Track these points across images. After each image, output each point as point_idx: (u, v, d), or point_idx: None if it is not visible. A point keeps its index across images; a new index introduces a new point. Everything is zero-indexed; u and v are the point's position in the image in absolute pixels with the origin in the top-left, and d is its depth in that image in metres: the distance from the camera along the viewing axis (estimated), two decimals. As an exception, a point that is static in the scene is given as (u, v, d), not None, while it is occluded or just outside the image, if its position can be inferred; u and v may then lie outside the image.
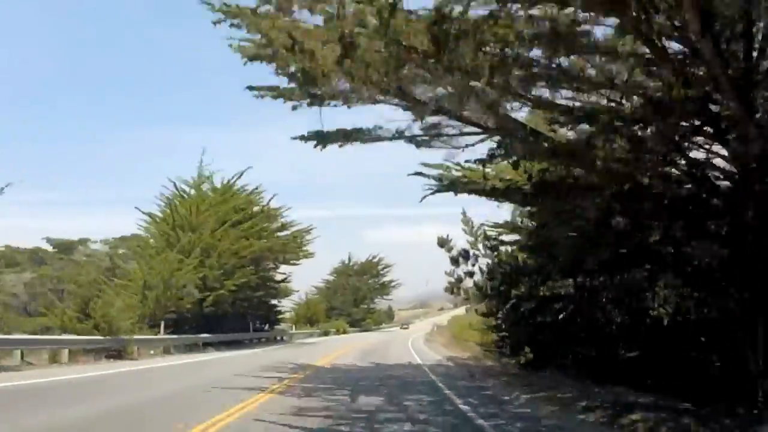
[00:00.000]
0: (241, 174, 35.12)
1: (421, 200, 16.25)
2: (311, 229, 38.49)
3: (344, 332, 68.50)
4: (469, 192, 16.40)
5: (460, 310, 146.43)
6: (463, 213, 30.28)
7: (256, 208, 35.97)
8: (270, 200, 35.99)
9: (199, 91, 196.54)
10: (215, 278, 27.39)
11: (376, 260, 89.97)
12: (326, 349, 31.24)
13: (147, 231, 30.97)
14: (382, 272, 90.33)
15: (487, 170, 17.01)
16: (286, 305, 60.13)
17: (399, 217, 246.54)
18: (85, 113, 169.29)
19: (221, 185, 34.60)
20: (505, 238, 25.85)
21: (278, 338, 43.15)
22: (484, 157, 15.54)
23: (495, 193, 16.59)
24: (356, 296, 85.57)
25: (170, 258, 25.17)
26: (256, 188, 34.52)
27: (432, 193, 16.10)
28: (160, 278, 24.06)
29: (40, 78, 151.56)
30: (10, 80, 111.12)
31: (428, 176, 16.39)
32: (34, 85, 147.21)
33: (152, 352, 21.89)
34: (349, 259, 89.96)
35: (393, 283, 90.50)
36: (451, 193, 16.08)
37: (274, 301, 44.11)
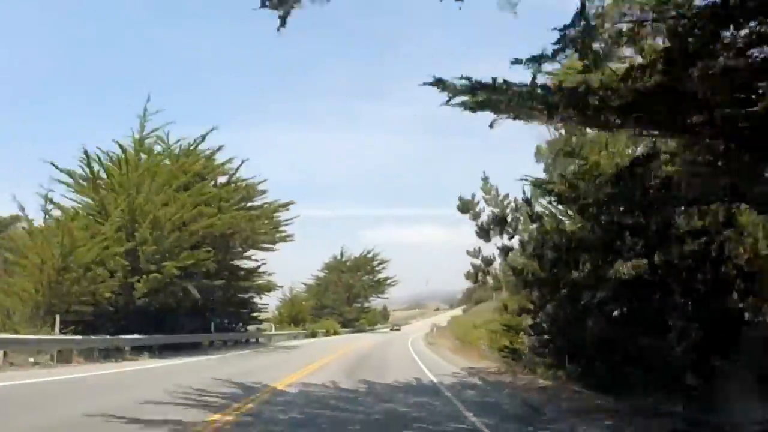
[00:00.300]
0: (204, 137, 27.48)
1: (447, 102, 9.15)
2: (289, 205, 30.99)
3: (335, 333, 61.08)
4: (519, 114, 9.53)
5: (456, 311, 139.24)
6: (484, 178, 22.96)
7: (221, 179, 28.50)
8: (239, 167, 28.48)
9: (198, 90, 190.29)
10: (147, 256, 19.85)
11: (370, 255, 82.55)
12: (305, 357, 23.85)
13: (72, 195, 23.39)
14: (377, 268, 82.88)
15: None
16: (270, 303, 52.80)
17: (397, 217, 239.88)
18: (85, 112, 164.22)
19: (182, 149, 27.06)
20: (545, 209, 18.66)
21: (253, 341, 35.67)
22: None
23: (570, 104, 9.63)
24: (349, 294, 78.06)
25: (71, 225, 17.62)
26: (220, 148, 26.90)
27: (455, 102, 9.18)
28: (59, 253, 16.60)
29: (39, 78, 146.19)
30: (9, 80, 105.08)
31: (451, 87, 9.10)
32: (34, 84, 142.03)
33: (32, 359, 14.39)
34: (342, 254, 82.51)
35: (389, 281, 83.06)
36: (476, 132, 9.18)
37: (249, 296, 36.71)
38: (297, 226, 40.12)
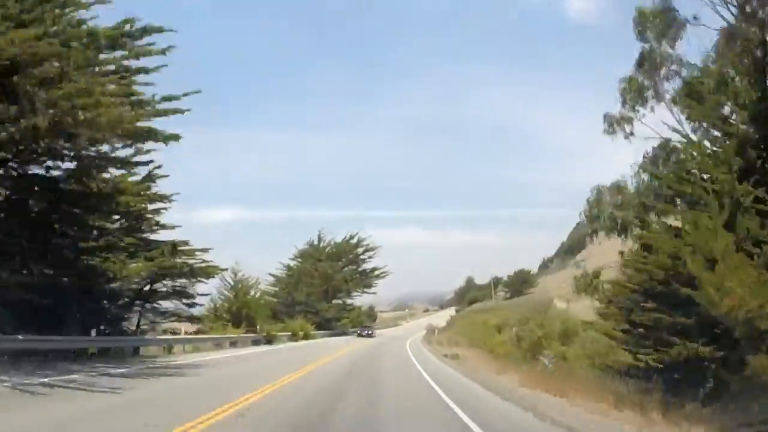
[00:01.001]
0: None
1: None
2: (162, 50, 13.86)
3: (305, 337, 44.42)
4: None
5: (446, 312, 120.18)
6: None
7: None
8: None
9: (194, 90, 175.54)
10: None
11: (354, 241, 65.78)
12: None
13: None
14: (362, 257, 66.19)
15: None
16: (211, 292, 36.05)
17: (380, 218, 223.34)
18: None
19: None
20: None
21: (127, 350, 18.91)
22: None
23: None
24: (327, 287, 61.18)
25: None
26: None
27: None
28: None
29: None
30: None
31: None
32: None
33: None
34: (319, 239, 65.66)
35: (378, 272, 66.17)
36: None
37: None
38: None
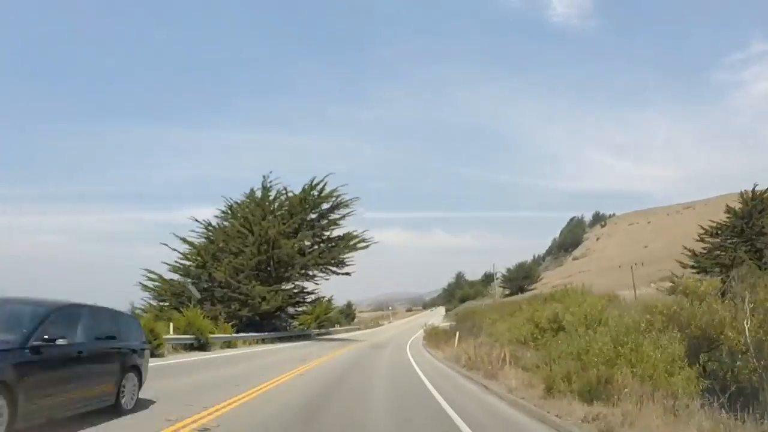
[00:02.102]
0: None
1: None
2: None
3: (201, 346, 19.74)
4: None
5: (430, 311, 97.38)
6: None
7: None
8: None
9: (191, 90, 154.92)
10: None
11: (319, 191, 40.62)
12: None
13: None
14: (330, 216, 41.05)
15: None
16: None
17: (360, 219, 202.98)
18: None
19: None
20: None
21: None
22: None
23: None
24: (271, 260, 36.08)
25: None
26: None
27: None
28: None
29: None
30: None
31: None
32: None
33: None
34: (264, 188, 40.45)
35: (357, 242, 40.73)
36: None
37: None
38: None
